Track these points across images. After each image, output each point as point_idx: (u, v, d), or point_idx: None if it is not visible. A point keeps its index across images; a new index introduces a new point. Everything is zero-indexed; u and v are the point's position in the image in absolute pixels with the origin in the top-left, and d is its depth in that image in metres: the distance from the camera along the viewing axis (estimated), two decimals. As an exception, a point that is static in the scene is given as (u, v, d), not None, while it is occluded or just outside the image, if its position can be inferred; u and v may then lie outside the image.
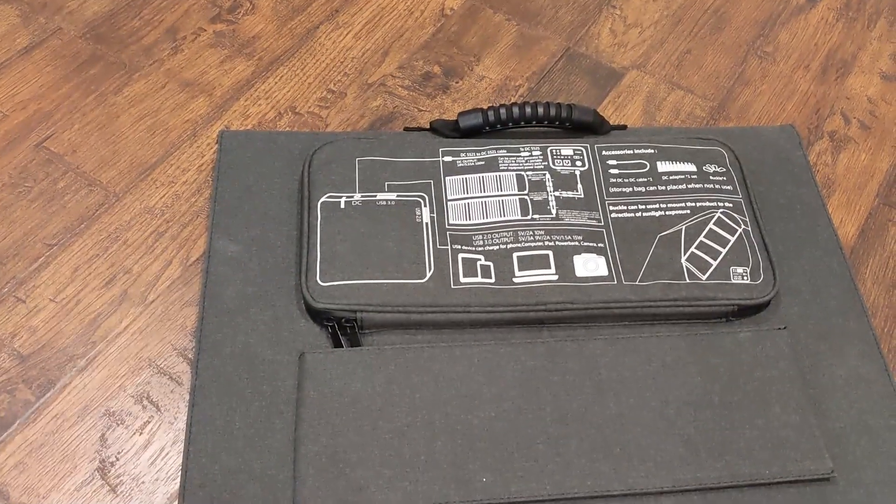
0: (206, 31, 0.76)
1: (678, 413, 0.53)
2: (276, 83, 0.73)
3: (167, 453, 0.53)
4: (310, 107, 0.71)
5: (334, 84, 0.73)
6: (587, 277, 0.58)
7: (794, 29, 0.83)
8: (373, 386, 0.53)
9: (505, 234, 0.59)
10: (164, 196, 0.65)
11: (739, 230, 0.60)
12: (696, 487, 0.51)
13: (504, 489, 0.50)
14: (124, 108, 0.70)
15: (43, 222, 0.63)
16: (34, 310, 0.58)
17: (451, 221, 0.60)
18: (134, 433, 0.54)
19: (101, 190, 0.65)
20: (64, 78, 0.71)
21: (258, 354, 0.55)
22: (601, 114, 0.68)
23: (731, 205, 0.62)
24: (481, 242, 0.59)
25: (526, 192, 0.62)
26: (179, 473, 0.52)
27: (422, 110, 0.72)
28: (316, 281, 0.56)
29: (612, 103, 0.75)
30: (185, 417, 0.54)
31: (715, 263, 0.59)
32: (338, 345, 0.55)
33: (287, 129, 0.70)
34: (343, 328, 0.56)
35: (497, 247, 0.59)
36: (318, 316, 0.56)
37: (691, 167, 0.64)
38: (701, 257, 0.59)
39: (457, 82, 0.75)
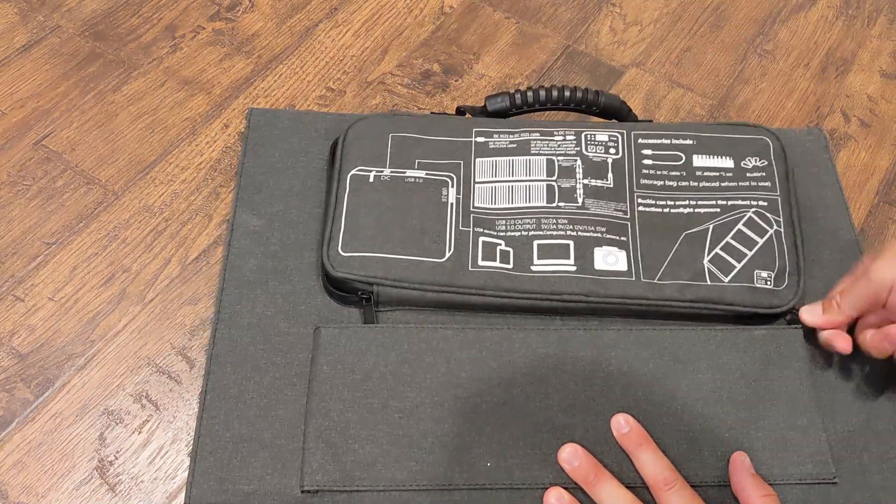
0: (205, 28, 0.76)
1: (684, 408, 0.53)
2: (275, 81, 0.73)
3: (166, 452, 0.53)
4: (309, 105, 0.71)
5: (333, 82, 0.73)
6: (606, 271, 0.57)
7: (794, 27, 0.83)
8: (385, 364, 0.53)
9: (528, 220, 0.59)
10: (162, 194, 0.65)
11: (770, 231, 0.59)
12: (696, 484, 0.51)
13: (507, 475, 0.50)
14: (123, 106, 0.70)
15: (41, 220, 0.63)
16: (33, 308, 0.58)
17: (476, 204, 0.59)
18: (133, 432, 0.54)
19: (100, 188, 0.65)
20: (62, 76, 0.71)
21: (275, 326, 0.56)
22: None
23: (765, 203, 0.60)
24: (504, 227, 0.58)
25: (555, 177, 0.61)
26: (178, 472, 0.52)
27: (421, 108, 0.72)
28: (337, 250, 0.56)
29: (612, 101, 0.75)
30: (184, 416, 0.54)
31: (738, 266, 0.57)
32: (369, 320, 0.55)
33: (286, 127, 0.70)
34: (359, 302, 0.56)
35: (519, 233, 0.58)
36: (336, 287, 0.57)
37: (728, 163, 0.62)
38: (725, 259, 0.58)
39: (456, 80, 0.75)
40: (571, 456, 0.51)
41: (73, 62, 0.72)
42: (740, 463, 0.51)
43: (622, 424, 0.52)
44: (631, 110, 0.67)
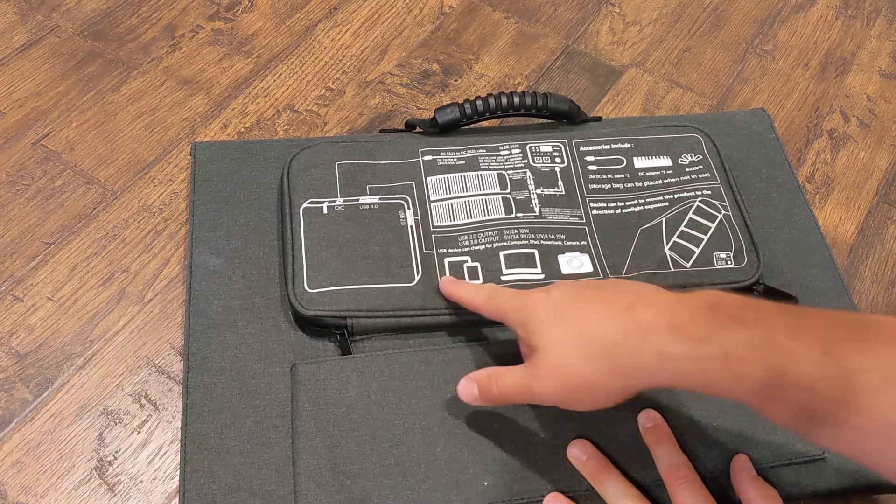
0: (204, 28, 0.76)
1: (671, 403, 0.53)
2: (274, 81, 0.73)
3: (165, 452, 0.53)
4: (308, 105, 0.71)
5: (333, 82, 0.73)
6: (573, 275, 0.57)
7: (794, 27, 0.83)
8: (368, 394, 0.52)
9: (490, 233, 0.59)
10: (162, 194, 0.65)
11: (720, 216, 0.61)
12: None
13: (506, 491, 0.50)
14: (122, 105, 0.70)
15: (41, 220, 0.62)
16: (32, 308, 0.58)
17: (435, 223, 0.59)
18: (132, 432, 0.54)
19: (99, 188, 0.65)
20: (62, 76, 0.71)
21: (249, 368, 0.54)
22: (580, 106, 0.68)
23: (709, 192, 0.62)
24: (467, 243, 0.59)
25: (508, 190, 0.61)
26: (177, 473, 0.52)
27: (420, 108, 0.72)
28: (304, 288, 0.55)
29: (612, 101, 0.75)
30: (183, 418, 0.54)
31: (698, 251, 0.59)
32: (346, 352, 0.55)
33: (285, 126, 0.69)
34: (333, 336, 0.55)
35: (483, 246, 0.58)
36: (307, 324, 0.56)
37: (667, 161, 0.64)
38: (683, 245, 0.59)
39: (455, 80, 0.75)
40: (580, 451, 0.51)
41: (72, 62, 0.72)
42: (741, 465, 0.51)
43: (647, 419, 0.52)
44: (581, 109, 0.68)
